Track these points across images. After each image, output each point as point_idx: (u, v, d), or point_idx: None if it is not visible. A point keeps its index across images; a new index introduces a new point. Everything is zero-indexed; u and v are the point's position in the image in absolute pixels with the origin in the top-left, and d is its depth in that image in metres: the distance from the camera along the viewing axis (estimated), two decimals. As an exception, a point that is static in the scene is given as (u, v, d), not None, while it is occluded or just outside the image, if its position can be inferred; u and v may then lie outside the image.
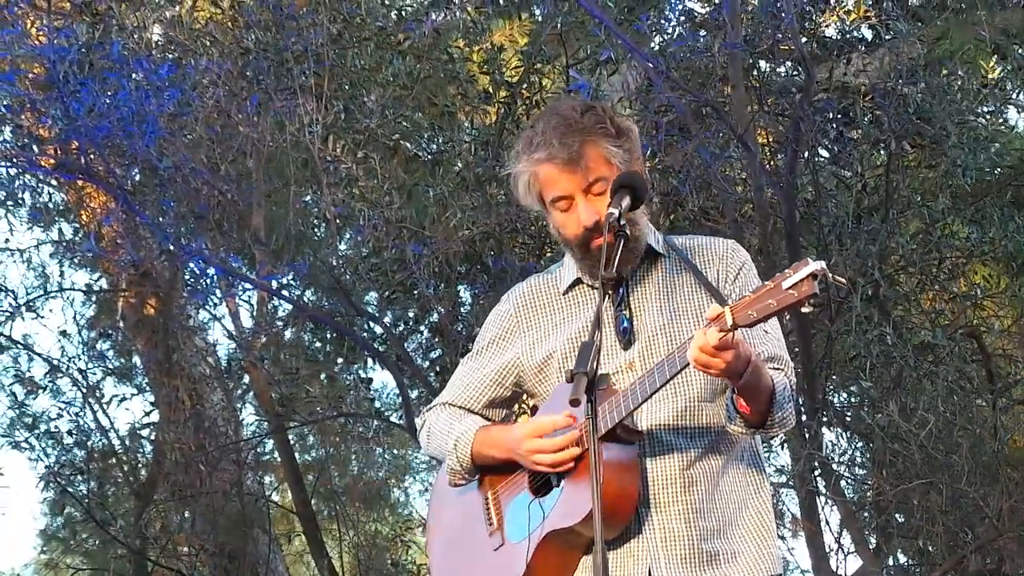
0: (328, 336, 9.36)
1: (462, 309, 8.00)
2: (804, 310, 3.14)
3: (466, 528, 3.78)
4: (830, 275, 3.09)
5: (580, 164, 3.53)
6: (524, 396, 3.91)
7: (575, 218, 3.55)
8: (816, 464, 7.98)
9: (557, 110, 3.65)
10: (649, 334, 3.57)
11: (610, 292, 3.57)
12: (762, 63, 7.77)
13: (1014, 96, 8.92)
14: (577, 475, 3.45)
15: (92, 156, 7.17)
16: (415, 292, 7.69)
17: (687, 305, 3.61)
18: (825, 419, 8.13)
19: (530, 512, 3.56)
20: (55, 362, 9.80)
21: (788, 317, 6.94)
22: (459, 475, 3.75)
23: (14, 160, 7.33)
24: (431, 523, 4.01)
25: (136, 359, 10.46)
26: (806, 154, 7.64)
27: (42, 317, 9.49)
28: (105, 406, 9.88)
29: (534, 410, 3.86)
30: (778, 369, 3.55)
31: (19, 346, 9.82)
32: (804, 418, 7.54)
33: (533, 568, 3.51)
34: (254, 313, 9.02)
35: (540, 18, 8.01)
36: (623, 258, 3.44)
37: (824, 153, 8.02)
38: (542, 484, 3.58)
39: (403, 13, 7.68)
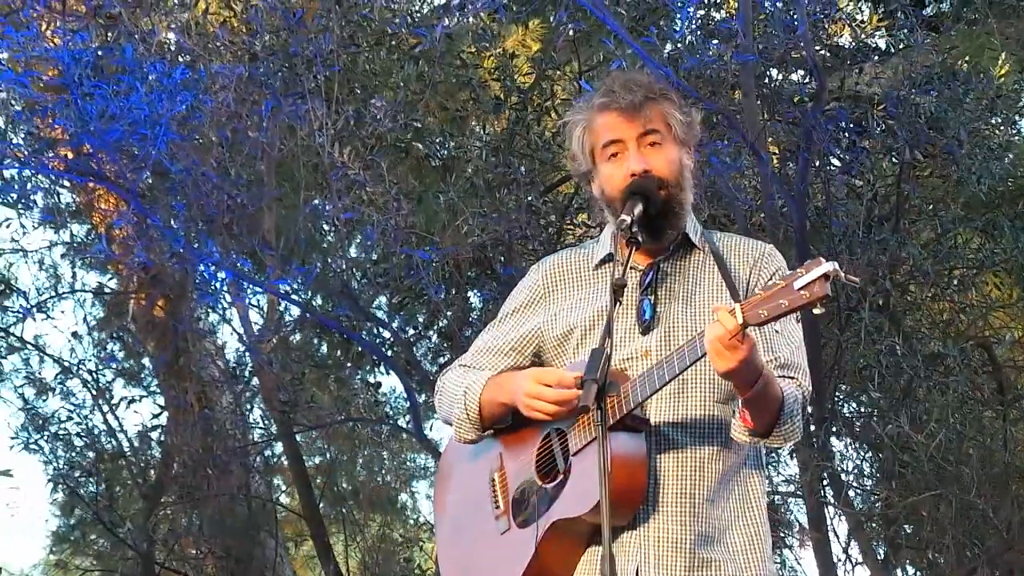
0: (336, 340, 9.36)
1: (471, 315, 7.99)
2: (816, 311, 3.12)
3: (472, 509, 3.78)
4: (842, 275, 3.07)
5: (640, 112, 3.55)
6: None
7: (624, 168, 3.54)
8: (825, 474, 7.96)
9: (627, 72, 3.66)
10: (668, 324, 3.56)
11: (640, 272, 3.59)
12: (774, 71, 7.76)
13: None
14: (585, 464, 3.43)
15: (104, 159, 7.19)
16: (424, 297, 7.68)
17: (711, 302, 3.57)
18: (834, 429, 8.11)
19: (538, 499, 3.55)
20: (66, 364, 9.81)
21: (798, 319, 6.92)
22: (467, 428, 3.71)
23: (26, 162, 7.34)
24: (437, 502, 4.01)
25: (146, 361, 10.47)
26: (817, 163, 7.63)
27: (53, 318, 9.52)
28: (114, 408, 9.90)
29: None
30: (791, 378, 3.52)
31: (30, 347, 9.84)
32: (812, 428, 7.52)
33: (540, 554, 3.51)
34: (263, 317, 9.01)
35: (552, 25, 8.00)
36: (664, 221, 3.52)
37: (835, 162, 7.99)
38: (549, 469, 3.56)
39: (414, 18, 7.67)
